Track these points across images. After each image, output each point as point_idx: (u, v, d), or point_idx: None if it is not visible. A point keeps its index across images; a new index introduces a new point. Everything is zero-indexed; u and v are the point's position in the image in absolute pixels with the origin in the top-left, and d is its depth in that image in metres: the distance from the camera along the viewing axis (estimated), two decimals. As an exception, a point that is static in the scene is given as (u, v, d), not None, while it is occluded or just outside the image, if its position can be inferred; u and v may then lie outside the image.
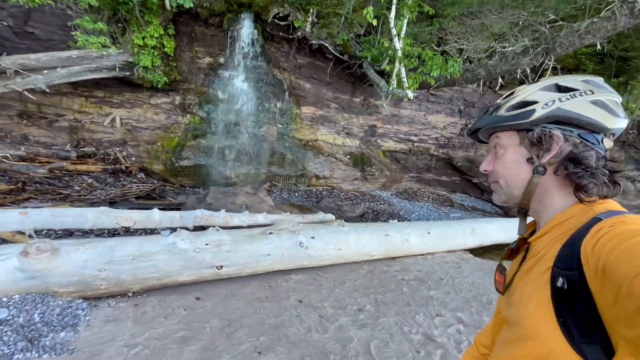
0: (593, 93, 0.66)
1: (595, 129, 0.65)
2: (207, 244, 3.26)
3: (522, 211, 0.76)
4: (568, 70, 9.07)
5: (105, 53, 5.93)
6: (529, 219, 0.80)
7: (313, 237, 3.98)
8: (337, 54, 7.97)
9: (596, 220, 0.59)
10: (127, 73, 6.45)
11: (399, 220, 7.88)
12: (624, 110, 0.68)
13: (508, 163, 0.74)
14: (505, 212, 10.98)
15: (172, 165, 7.33)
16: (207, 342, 2.45)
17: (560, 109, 0.66)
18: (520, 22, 6.14)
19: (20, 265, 2.46)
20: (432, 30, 7.14)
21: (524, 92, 0.73)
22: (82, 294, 2.70)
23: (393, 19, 5.64)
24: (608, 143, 0.67)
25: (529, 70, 6.36)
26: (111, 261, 2.76)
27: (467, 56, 6.77)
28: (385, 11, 5.78)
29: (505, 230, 6.39)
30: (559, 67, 8.52)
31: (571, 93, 0.67)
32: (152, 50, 6.37)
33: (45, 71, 5.58)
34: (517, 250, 0.78)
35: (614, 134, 0.68)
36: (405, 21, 5.97)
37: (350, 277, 3.99)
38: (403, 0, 5.91)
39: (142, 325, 2.52)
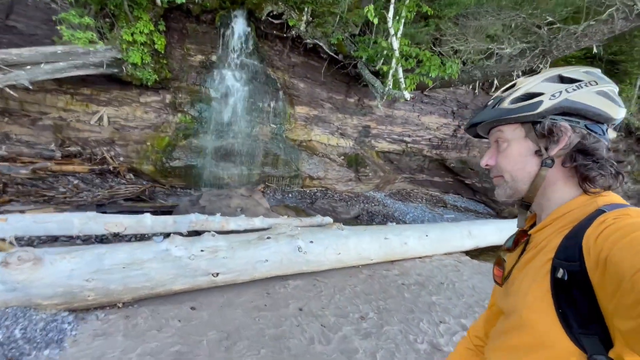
0: (597, 84, 0.66)
1: (602, 119, 0.65)
2: (202, 251, 3.10)
3: (525, 205, 0.76)
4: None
5: (92, 49, 5.67)
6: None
7: (312, 242, 3.85)
8: (332, 54, 7.86)
9: (599, 212, 0.59)
10: (115, 70, 6.20)
11: (394, 222, 7.82)
12: None
13: (513, 157, 0.72)
14: (497, 212, 11.05)
15: (163, 166, 7.10)
16: (204, 357, 2.30)
17: (568, 100, 0.65)
18: (517, 24, 6.13)
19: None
20: (429, 31, 7.08)
21: (527, 84, 0.71)
22: (68, 305, 2.51)
23: (391, 18, 5.55)
24: (612, 133, 0.68)
25: (524, 73, 6.37)
26: (100, 270, 2.58)
27: (465, 57, 6.74)
28: (383, 10, 5.68)
29: (501, 232, 6.39)
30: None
31: (576, 84, 0.66)
32: (142, 47, 6.14)
33: (28, 67, 5.30)
34: (516, 242, 0.77)
35: (614, 125, 0.68)
36: (403, 21, 5.89)
37: (350, 282, 3.88)
38: (401, -1, 5.85)
39: (133, 340, 2.35)
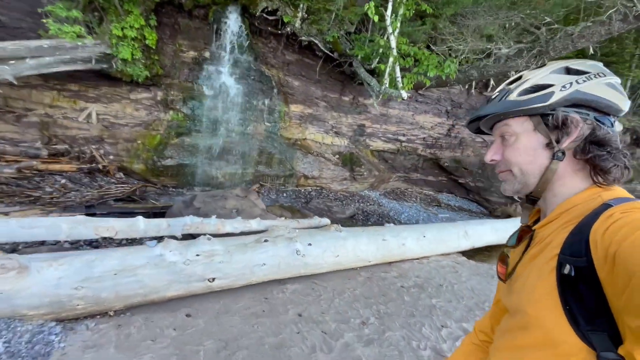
0: (605, 75, 0.65)
1: (612, 111, 0.65)
2: (198, 255, 2.98)
3: (532, 199, 0.74)
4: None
5: (80, 43, 5.47)
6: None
7: (310, 244, 3.76)
8: (327, 52, 7.75)
9: (606, 206, 0.57)
10: (105, 66, 6.00)
11: (389, 221, 7.78)
12: None
13: (523, 150, 0.70)
14: (490, 211, 11.13)
15: (154, 165, 6.92)
16: (202, 368, 2.20)
17: (579, 91, 0.64)
18: (514, 25, 6.11)
19: (-19, 286, 2.13)
20: (426, 29, 7.03)
21: (535, 76, 0.70)
22: (55, 315, 2.37)
23: (389, 16, 5.47)
24: (619, 126, 0.67)
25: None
26: (90, 278, 2.45)
27: (463, 56, 6.70)
28: (380, 8, 5.59)
29: (496, 231, 6.42)
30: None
31: (585, 75, 0.65)
32: (132, 42, 5.95)
33: (12, 62, 5.07)
34: (520, 238, 0.75)
35: (618, 117, 0.68)
36: (400, 19, 5.81)
37: (349, 285, 3.80)
38: (400, -3, 5.76)
39: (126, 352, 2.23)
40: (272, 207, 6.44)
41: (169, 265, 2.80)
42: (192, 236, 3.68)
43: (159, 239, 3.47)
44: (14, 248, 3.37)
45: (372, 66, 7.37)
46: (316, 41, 7.51)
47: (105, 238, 3.67)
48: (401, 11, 5.54)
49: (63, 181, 5.83)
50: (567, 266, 0.56)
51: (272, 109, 8.24)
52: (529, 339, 0.61)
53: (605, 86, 0.64)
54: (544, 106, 0.66)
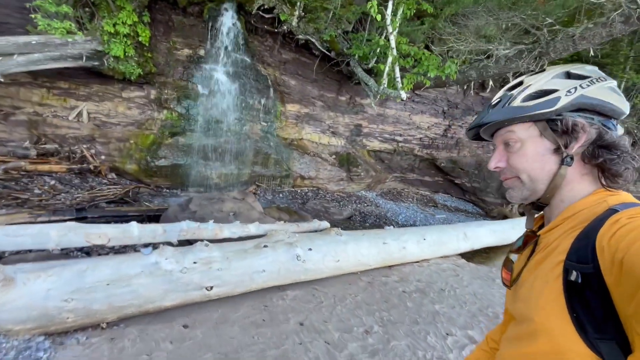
0: (605, 80, 0.65)
1: (615, 114, 0.65)
2: (195, 262, 2.85)
3: (539, 206, 0.73)
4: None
5: (70, 40, 5.28)
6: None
7: (310, 249, 3.65)
8: (324, 51, 7.64)
9: (612, 211, 0.56)
10: (96, 63, 5.81)
11: (387, 223, 7.71)
12: None
13: (530, 156, 0.69)
14: (486, 212, 11.14)
15: (147, 165, 6.74)
16: (201, 385, 2.08)
17: (584, 96, 0.64)
18: (514, 26, 6.07)
19: (-37, 300, 1.98)
20: (425, 29, 6.96)
21: (537, 81, 0.68)
22: (44, 329, 2.23)
23: (389, 15, 5.37)
24: (620, 129, 0.67)
25: (519, 74, 6.32)
26: (80, 289, 2.31)
27: (464, 57, 6.65)
28: (381, 7, 5.49)
29: (494, 233, 6.39)
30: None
31: (588, 80, 0.65)
32: (125, 39, 5.77)
33: (-2, 58, 4.87)
34: (525, 244, 0.74)
35: (619, 120, 0.67)
36: (401, 18, 5.72)
37: (350, 291, 3.71)
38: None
39: (120, 368, 2.11)
40: (269, 209, 6.32)
41: (165, 274, 2.67)
42: (188, 242, 3.55)
43: (154, 245, 3.33)
44: (-1, 256, 3.21)
45: (370, 66, 7.28)
46: (313, 40, 7.39)
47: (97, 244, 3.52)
48: (401, 10, 5.45)
49: (52, 182, 5.64)
50: (574, 272, 0.55)
51: (268, 108, 8.11)
52: (535, 347, 0.59)
53: (608, 90, 0.64)
54: (551, 111, 0.65)
